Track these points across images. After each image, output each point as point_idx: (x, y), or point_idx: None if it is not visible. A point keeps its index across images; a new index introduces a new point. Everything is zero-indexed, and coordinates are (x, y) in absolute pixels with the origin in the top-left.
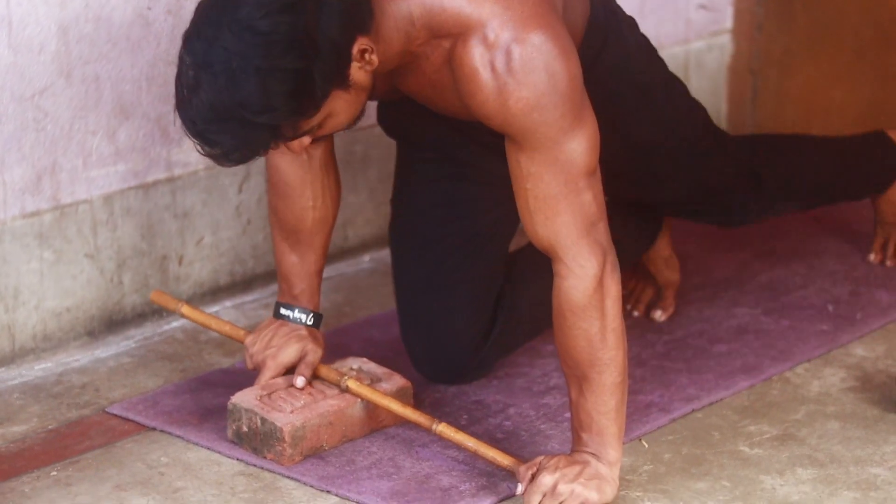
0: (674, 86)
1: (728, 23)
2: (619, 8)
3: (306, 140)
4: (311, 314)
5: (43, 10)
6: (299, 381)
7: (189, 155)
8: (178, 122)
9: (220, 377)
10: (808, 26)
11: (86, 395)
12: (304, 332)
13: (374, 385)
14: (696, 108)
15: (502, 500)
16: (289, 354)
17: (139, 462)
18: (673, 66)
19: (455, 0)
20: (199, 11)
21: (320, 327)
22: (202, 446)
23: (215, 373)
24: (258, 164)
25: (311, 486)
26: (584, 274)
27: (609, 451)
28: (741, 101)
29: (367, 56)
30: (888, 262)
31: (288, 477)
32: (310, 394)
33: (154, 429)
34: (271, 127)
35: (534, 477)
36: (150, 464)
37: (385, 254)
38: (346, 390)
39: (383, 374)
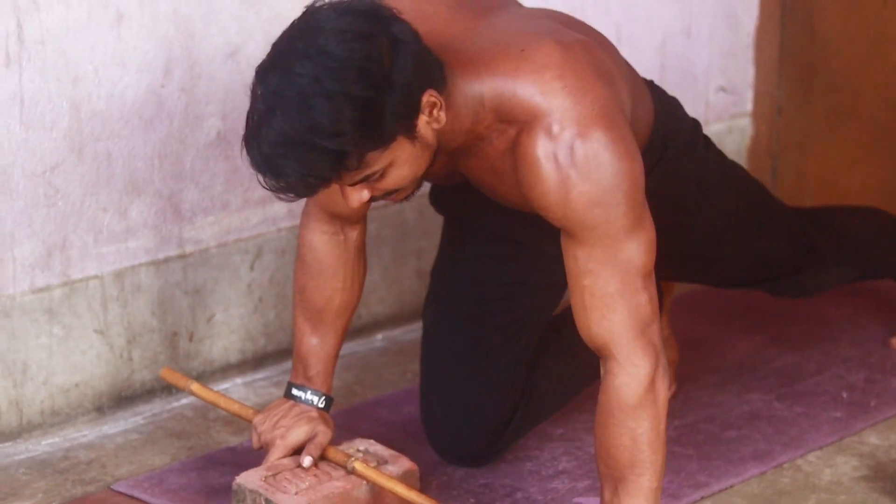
0: (730, 174)
1: (748, 105)
2: (680, 110)
3: (366, 195)
4: (324, 397)
5: (55, 86)
6: (306, 460)
7: (201, 232)
8: (245, 155)
9: (228, 456)
10: (826, 109)
11: (92, 472)
12: (314, 413)
13: (380, 467)
14: (753, 191)
15: None
16: (298, 435)
17: None
18: None
19: (528, 88)
20: (276, 46)
21: (330, 411)
22: None
23: (223, 451)
24: (271, 242)
25: None
26: (637, 373)
27: None
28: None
29: (435, 112)
30: None
31: None
32: (315, 475)
33: None
34: (338, 154)
35: None
36: None
37: (397, 333)
38: (353, 472)
39: (390, 457)
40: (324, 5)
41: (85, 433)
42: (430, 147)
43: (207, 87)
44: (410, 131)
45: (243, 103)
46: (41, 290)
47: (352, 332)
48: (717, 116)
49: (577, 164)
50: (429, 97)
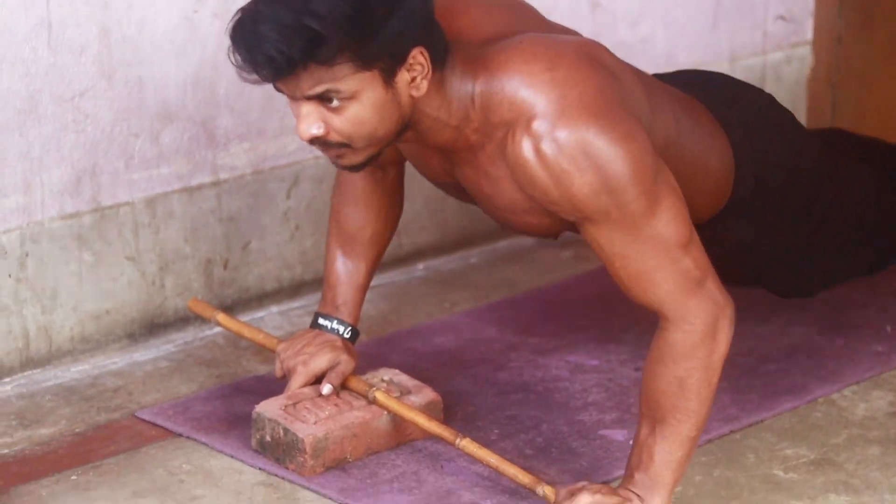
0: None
1: (807, 34)
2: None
3: (317, 128)
4: (350, 328)
5: (84, 11)
6: (326, 388)
7: (236, 159)
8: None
9: (255, 384)
10: (888, 38)
11: (118, 399)
12: (338, 342)
13: (402, 398)
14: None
15: None
16: (320, 363)
17: (161, 468)
18: (749, 78)
19: (515, 82)
20: None
21: (355, 343)
22: (226, 454)
23: (250, 380)
24: (308, 170)
25: (330, 499)
26: (692, 330)
27: (656, 500)
28: (820, 113)
29: (418, 78)
30: None
31: (308, 488)
32: (336, 405)
33: (180, 435)
34: (317, 36)
35: (572, 494)
36: (172, 470)
37: (439, 262)
38: (374, 402)
39: (413, 387)
40: None
41: (115, 360)
42: (401, 109)
43: None
44: (389, 74)
45: None
46: (71, 216)
47: (392, 260)
48: (775, 46)
49: (569, 156)
50: (418, 54)
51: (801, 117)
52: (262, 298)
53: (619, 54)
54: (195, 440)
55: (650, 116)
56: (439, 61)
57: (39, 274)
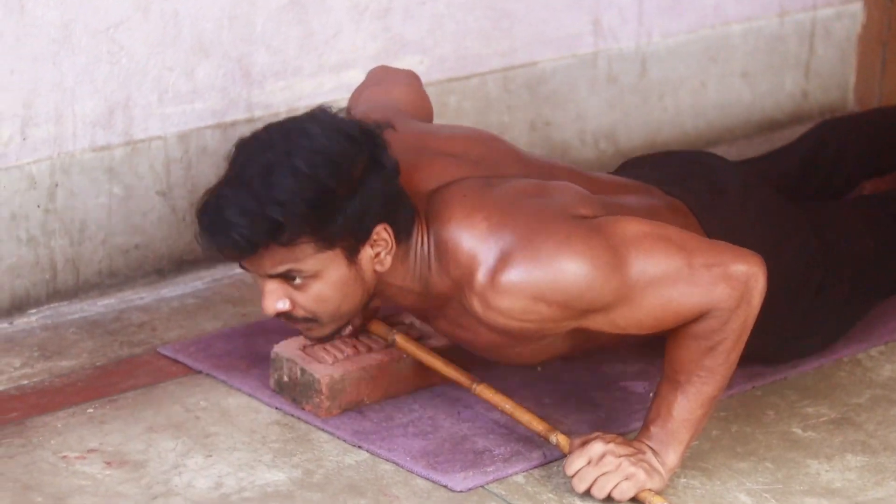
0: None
1: None
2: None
3: (283, 304)
4: None
5: None
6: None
7: (271, 97)
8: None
9: (279, 324)
10: None
11: (141, 334)
12: None
13: (423, 341)
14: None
15: (535, 468)
16: None
17: (177, 405)
18: (798, 33)
19: (458, 233)
20: (269, 124)
21: None
22: (244, 392)
23: (275, 319)
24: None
25: (344, 440)
26: (726, 308)
27: (670, 455)
28: (870, 71)
29: (382, 253)
30: None
31: (322, 429)
32: (354, 346)
33: (200, 372)
34: (277, 224)
35: (585, 443)
36: (189, 407)
37: None
38: (393, 344)
39: (433, 332)
40: (332, 108)
41: (142, 296)
42: (364, 284)
43: None
44: (352, 252)
45: None
46: (102, 148)
47: None
48: (826, 1)
49: (523, 299)
50: (382, 230)
51: (850, 75)
52: None
53: (666, 6)
54: (214, 377)
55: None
56: (405, 233)
57: (69, 206)
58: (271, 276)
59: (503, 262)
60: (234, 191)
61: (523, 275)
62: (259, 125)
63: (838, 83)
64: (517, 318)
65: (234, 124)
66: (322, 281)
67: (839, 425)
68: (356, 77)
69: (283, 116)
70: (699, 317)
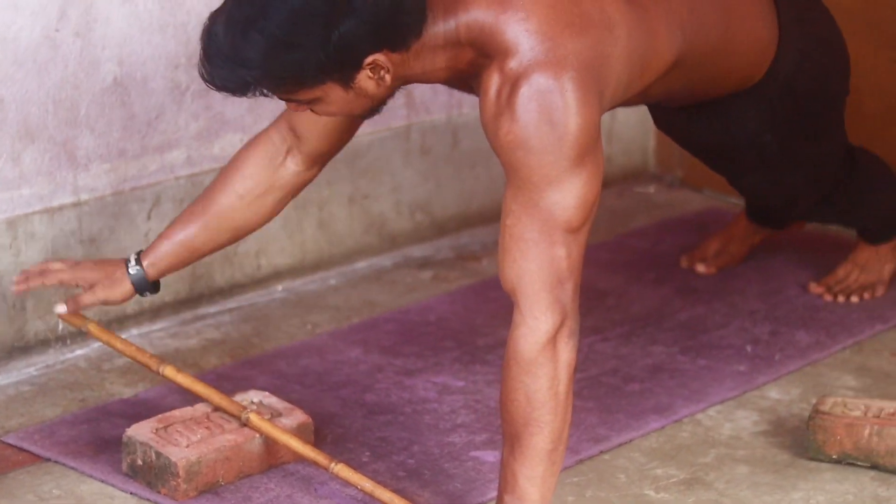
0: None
1: None
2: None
3: (302, 107)
4: (139, 267)
5: None
6: (58, 307)
7: (97, 180)
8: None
9: (121, 407)
10: None
11: None
12: (118, 273)
13: (274, 420)
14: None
15: None
16: (82, 272)
17: (30, 494)
18: None
19: (497, 22)
20: None
21: (140, 290)
22: (96, 479)
23: (116, 403)
24: (169, 190)
25: None
26: (537, 328)
27: None
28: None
29: (380, 73)
30: (839, 298)
31: None
32: (208, 427)
33: (49, 460)
34: (255, 82)
35: None
36: (42, 496)
37: (298, 283)
38: (247, 424)
39: (284, 409)
40: None
41: None
42: (372, 96)
43: (104, 32)
44: (345, 81)
45: (140, 49)
46: None
47: (251, 283)
48: None
49: (513, 103)
50: (374, 60)
51: (650, 139)
52: (122, 320)
53: None
54: (64, 465)
55: (646, 44)
56: (412, 41)
57: None
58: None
59: (538, 69)
60: (220, 33)
61: (538, 92)
62: (85, 209)
63: (639, 147)
64: (496, 114)
65: (60, 209)
66: (325, 102)
67: (690, 486)
68: (179, 157)
69: (108, 199)
70: (515, 318)
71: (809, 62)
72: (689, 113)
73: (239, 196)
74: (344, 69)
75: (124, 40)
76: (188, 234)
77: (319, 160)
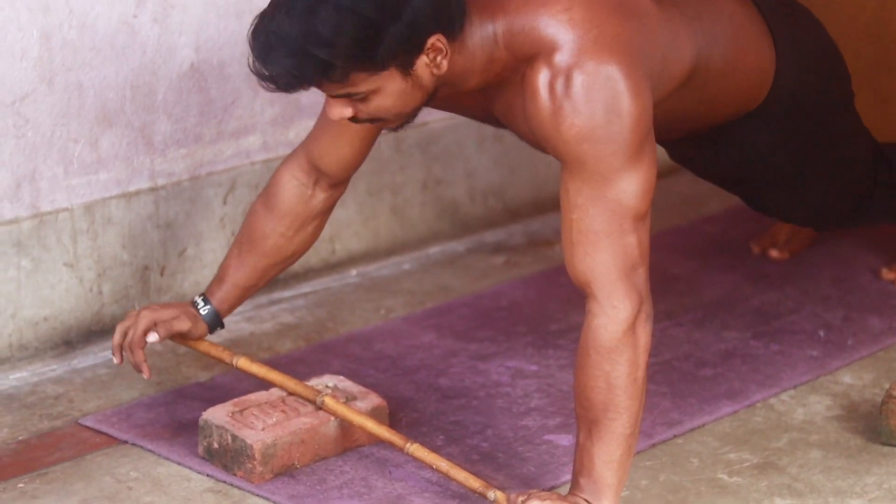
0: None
1: None
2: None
3: (347, 112)
4: (210, 306)
5: (25, 15)
6: (151, 336)
7: (173, 165)
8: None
9: (196, 391)
10: None
11: (59, 407)
12: (192, 310)
13: (349, 403)
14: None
15: None
16: (162, 314)
17: (108, 476)
18: None
19: (536, 21)
20: None
21: (212, 328)
22: (173, 461)
23: (192, 386)
24: (245, 175)
25: None
26: (617, 316)
27: (604, 502)
28: None
29: (437, 58)
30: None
31: (257, 495)
32: (283, 411)
33: (126, 442)
34: (325, 63)
35: (521, 501)
36: (119, 478)
37: (372, 268)
38: (321, 407)
39: (359, 393)
40: None
41: (53, 368)
42: (424, 88)
43: (181, 18)
44: (406, 67)
45: (217, 35)
46: (10, 222)
47: (325, 267)
48: None
49: (572, 95)
50: (436, 41)
51: None
52: None
53: None
54: (141, 447)
55: (670, 44)
56: (458, 32)
57: None
58: (331, 95)
59: (588, 56)
60: (280, 24)
61: (597, 81)
62: (162, 194)
63: None
64: (554, 109)
65: (137, 193)
66: (381, 95)
67: (763, 470)
68: (255, 143)
69: (185, 184)
70: (591, 307)
71: (808, 76)
72: (700, 143)
73: (281, 234)
74: (411, 49)
75: (201, 26)
76: (247, 277)
77: (345, 179)
